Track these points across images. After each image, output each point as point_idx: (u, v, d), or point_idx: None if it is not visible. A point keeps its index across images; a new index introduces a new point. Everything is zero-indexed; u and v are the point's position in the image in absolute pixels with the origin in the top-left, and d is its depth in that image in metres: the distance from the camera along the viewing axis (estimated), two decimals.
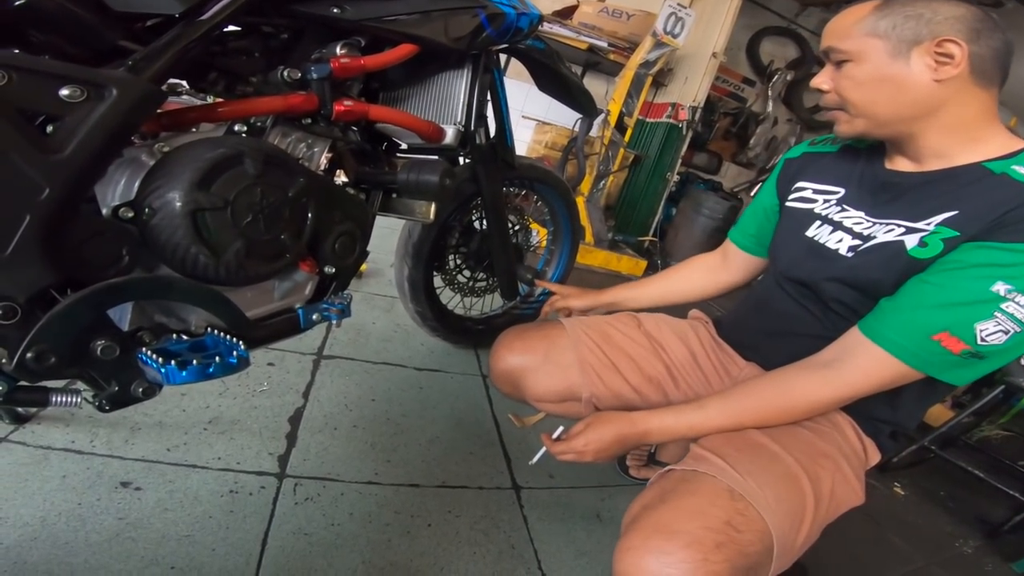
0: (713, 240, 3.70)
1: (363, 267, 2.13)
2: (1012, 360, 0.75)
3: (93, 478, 0.98)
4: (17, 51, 0.66)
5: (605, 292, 1.26)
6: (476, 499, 1.19)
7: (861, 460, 0.86)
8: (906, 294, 0.73)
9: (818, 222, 0.90)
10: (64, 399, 0.70)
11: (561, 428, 0.89)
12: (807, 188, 0.95)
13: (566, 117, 3.43)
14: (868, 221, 0.82)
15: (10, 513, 0.88)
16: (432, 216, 1.16)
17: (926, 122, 0.74)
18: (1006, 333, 0.65)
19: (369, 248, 1.05)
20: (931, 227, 0.73)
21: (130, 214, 0.68)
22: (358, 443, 1.25)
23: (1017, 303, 0.64)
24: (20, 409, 1.05)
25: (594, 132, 3.35)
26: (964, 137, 0.74)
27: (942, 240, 0.71)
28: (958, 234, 0.70)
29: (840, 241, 0.84)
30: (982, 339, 0.66)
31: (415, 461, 1.25)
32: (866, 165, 0.88)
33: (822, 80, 0.81)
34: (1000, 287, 0.64)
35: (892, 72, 0.72)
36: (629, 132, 3.51)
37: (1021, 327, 0.64)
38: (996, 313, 0.65)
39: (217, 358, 0.73)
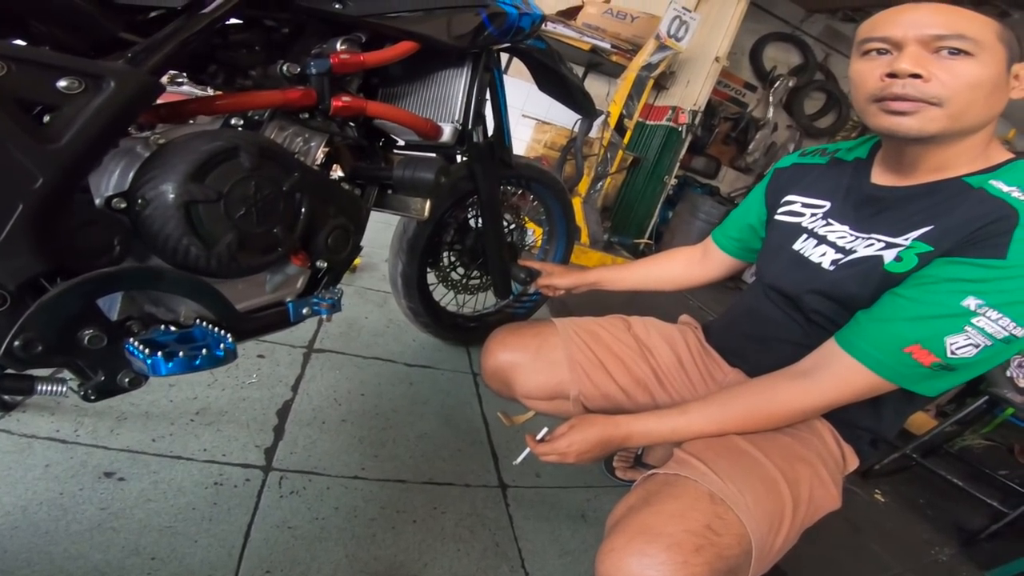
0: None
1: (357, 261, 2.13)
2: (984, 372, 0.76)
3: (77, 468, 0.97)
4: (17, 42, 0.66)
5: (588, 272, 1.30)
6: (462, 496, 1.20)
7: (839, 465, 0.87)
8: (880, 307, 0.74)
9: (804, 235, 0.91)
10: (50, 388, 0.70)
11: (545, 429, 0.89)
12: (796, 202, 0.96)
13: (566, 117, 3.43)
14: (851, 235, 0.83)
15: None
16: (427, 213, 1.16)
17: (978, 132, 0.73)
18: (976, 347, 0.66)
19: (363, 243, 1.05)
20: (908, 242, 0.74)
21: (123, 204, 0.68)
22: (346, 437, 1.25)
23: (988, 317, 0.65)
24: (6, 397, 1.04)
25: (593, 133, 3.35)
26: (978, 150, 0.74)
27: (916, 255, 0.72)
28: (932, 249, 0.71)
29: (823, 255, 0.85)
30: (952, 352, 0.67)
31: (403, 457, 1.25)
32: (852, 179, 0.89)
33: (919, 66, 0.67)
34: (970, 302, 0.65)
35: (1003, 82, 0.69)
36: (628, 134, 3.51)
37: (992, 341, 0.65)
38: (966, 327, 0.66)
39: (204, 350, 0.73)
